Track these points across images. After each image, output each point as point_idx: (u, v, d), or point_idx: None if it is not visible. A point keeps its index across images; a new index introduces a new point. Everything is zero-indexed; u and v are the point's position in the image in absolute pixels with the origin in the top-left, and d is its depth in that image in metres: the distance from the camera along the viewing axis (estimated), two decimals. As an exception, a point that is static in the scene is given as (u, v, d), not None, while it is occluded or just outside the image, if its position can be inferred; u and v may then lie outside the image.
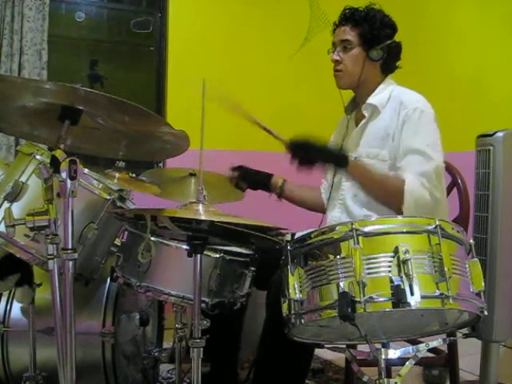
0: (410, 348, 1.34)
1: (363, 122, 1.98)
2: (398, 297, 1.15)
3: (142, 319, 2.02)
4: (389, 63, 1.97)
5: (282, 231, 1.48)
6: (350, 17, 1.96)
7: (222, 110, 3.36)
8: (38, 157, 1.62)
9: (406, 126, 1.85)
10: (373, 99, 1.95)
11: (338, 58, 1.96)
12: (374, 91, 1.96)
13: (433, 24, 4.07)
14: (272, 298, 1.74)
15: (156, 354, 2.17)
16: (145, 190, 2.29)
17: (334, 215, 2.03)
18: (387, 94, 1.94)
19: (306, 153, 1.85)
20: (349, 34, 1.94)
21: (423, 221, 1.28)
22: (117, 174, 2.21)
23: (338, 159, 1.86)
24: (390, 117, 1.90)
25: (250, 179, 2.24)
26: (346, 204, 1.99)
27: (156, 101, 3.76)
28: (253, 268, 1.76)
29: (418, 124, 1.84)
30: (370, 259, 1.20)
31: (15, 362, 1.90)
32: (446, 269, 1.19)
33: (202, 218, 1.36)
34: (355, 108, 2.07)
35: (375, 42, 1.93)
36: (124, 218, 1.69)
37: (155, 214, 1.43)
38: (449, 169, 2.09)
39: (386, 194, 1.85)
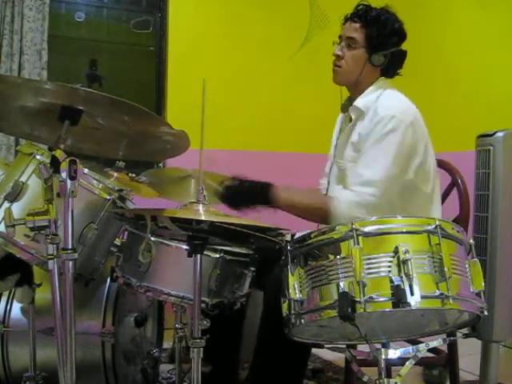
0: (410, 348, 1.34)
1: (350, 124, 1.96)
2: (398, 297, 1.15)
3: (136, 320, 2.01)
4: (389, 69, 1.95)
5: (282, 231, 1.48)
6: (362, 15, 1.91)
7: (221, 110, 3.38)
8: (38, 157, 1.62)
9: (372, 133, 1.80)
10: (359, 102, 1.93)
11: (340, 53, 1.93)
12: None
13: (432, 24, 4.07)
14: (269, 297, 1.74)
15: (156, 353, 2.17)
16: (143, 194, 2.28)
17: None
18: (374, 97, 1.90)
19: (234, 201, 1.86)
20: (357, 32, 1.90)
21: (423, 221, 1.28)
22: (116, 174, 2.21)
23: (260, 197, 1.85)
24: (368, 120, 1.86)
25: None
26: None
27: (156, 101, 3.77)
28: (253, 268, 1.76)
29: (383, 132, 1.77)
30: (370, 259, 1.20)
31: (15, 362, 1.90)
32: (445, 269, 1.19)
33: (202, 218, 1.36)
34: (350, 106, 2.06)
35: (380, 48, 1.90)
36: (124, 218, 1.69)
37: (155, 215, 1.43)
38: (449, 169, 2.09)
39: (312, 218, 1.84)
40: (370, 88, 1.93)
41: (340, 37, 1.97)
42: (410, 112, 1.83)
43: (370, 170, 1.76)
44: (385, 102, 1.87)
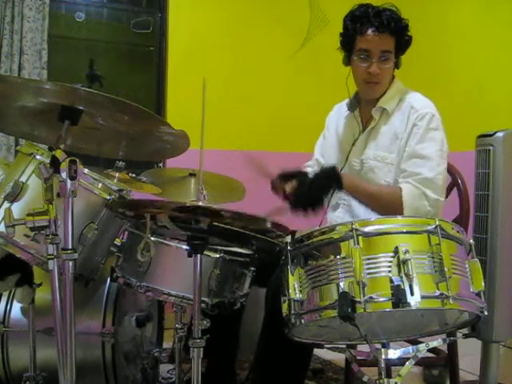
0: (410, 348, 1.34)
1: (372, 124, 1.95)
2: (398, 297, 1.15)
3: (138, 320, 2.01)
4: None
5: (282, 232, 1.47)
6: (387, 24, 1.83)
7: (221, 110, 3.38)
8: (38, 157, 1.61)
9: (415, 130, 1.84)
10: (384, 103, 1.92)
11: (379, 71, 1.86)
12: (383, 92, 1.93)
13: (432, 23, 4.06)
14: (270, 297, 1.74)
15: (156, 353, 2.17)
16: (145, 190, 2.29)
17: (338, 215, 2.02)
18: (397, 97, 1.92)
19: (307, 202, 1.78)
20: (389, 44, 1.85)
21: (423, 221, 1.28)
22: (117, 174, 2.21)
23: (332, 183, 1.81)
24: (399, 120, 1.89)
25: None
26: (350, 204, 1.98)
27: (156, 101, 3.77)
28: (253, 268, 1.75)
29: (428, 129, 1.83)
30: (370, 259, 1.20)
31: (15, 362, 1.90)
32: (446, 269, 1.19)
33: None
34: (358, 105, 2.02)
35: (404, 51, 1.90)
36: (125, 216, 1.68)
37: (156, 212, 1.42)
38: (449, 169, 2.08)
39: (384, 205, 1.80)
40: (392, 88, 1.94)
41: (368, 51, 1.86)
42: (438, 111, 1.89)
43: (424, 168, 1.80)
44: (418, 100, 1.90)
